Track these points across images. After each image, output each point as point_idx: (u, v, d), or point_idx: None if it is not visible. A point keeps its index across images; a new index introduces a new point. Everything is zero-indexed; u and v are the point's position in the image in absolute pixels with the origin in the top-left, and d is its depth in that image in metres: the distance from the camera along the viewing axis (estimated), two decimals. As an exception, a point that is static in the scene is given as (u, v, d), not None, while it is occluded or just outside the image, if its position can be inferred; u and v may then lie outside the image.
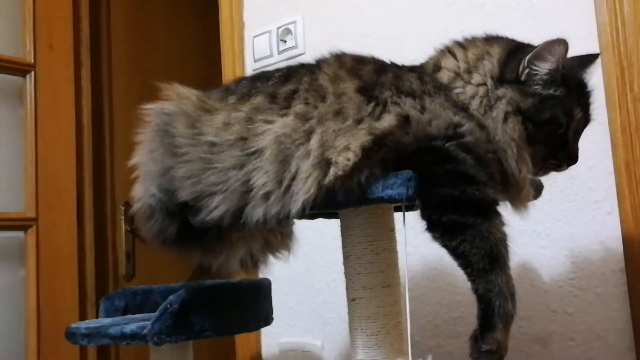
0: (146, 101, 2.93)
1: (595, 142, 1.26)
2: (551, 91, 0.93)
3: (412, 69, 1.02)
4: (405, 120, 0.89)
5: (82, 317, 2.26)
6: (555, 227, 1.30)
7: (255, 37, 1.84)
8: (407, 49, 1.27)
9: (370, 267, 1.00)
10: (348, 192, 0.86)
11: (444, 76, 0.99)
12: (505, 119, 0.92)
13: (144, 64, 2.75)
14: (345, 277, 1.03)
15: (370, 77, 0.97)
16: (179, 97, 1.11)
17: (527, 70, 0.93)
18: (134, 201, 1.13)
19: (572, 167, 1.26)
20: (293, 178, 0.89)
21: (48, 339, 2.14)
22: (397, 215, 1.06)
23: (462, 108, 0.93)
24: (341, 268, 1.37)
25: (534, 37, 1.30)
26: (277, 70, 1.06)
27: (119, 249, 2.56)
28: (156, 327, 1.13)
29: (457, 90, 0.96)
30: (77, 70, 2.38)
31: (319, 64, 1.03)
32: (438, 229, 0.87)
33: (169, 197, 1.04)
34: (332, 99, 0.94)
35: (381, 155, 0.87)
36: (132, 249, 2.58)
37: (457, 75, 0.98)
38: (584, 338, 1.27)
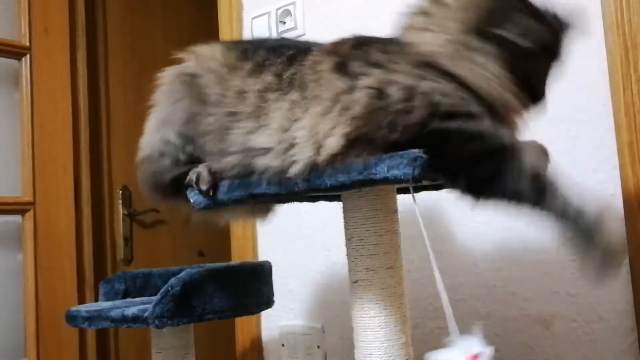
0: (143, 84, 2.92)
1: (598, 123, 1.25)
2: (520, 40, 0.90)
3: (390, 39, 1.00)
4: (378, 94, 0.88)
5: (81, 301, 2.25)
6: None
7: (254, 18, 1.82)
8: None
9: (373, 249, 0.99)
10: (350, 169, 0.85)
11: (412, 35, 0.97)
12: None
13: (140, 47, 2.74)
14: (348, 259, 1.02)
15: (346, 52, 0.96)
16: (201, 56, 1.13)
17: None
18: (141, 149, 1.15)
19: (576, 148, 1.26)
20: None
21: (47, 323, 2.14)
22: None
23: (429, 65, 0.90)
24: (341, 251, 1.36)
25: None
26: (288, 47, 1.05)
27: (117, 233, 2.56)
28: (157, 310, 1.13)
29: (424, 46, 0.93)
30: (73, 53, 2.36)
31: (311, 49, 1.02)
32: (479, 195, 0.85)
33: (185, 144, 1.07)
34: (312, 85, 0.94)
35: (369, 136, 0.86)
36: (130, 233, 2.58)
37: (426, 29, 0.95)
38: (586, 319, 1.27)
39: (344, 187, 0.87)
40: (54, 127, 2.25)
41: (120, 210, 2.55)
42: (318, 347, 1.62)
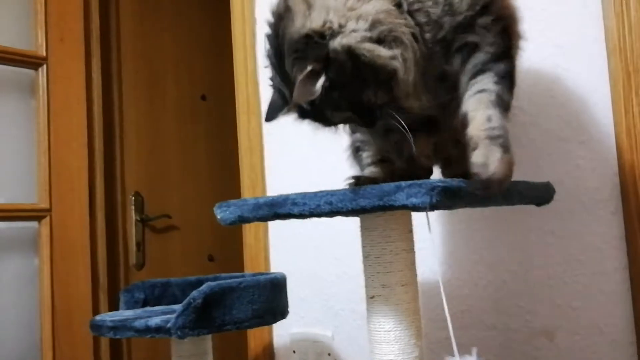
0: (153, 91, 2.99)
1: (600, 142, 1.31)
2: None
3: None
4: None
5: (95, 305, 2.32)
6: (562, 225, 1.35)
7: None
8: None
9: (389, 267, 1.05)
10: (370, 194, 0.91)
11: None
12: None
13: (151, 54, 2.81)
14: (365, 276, 1.08)
15: None
16: None
17: None
18: None
19: (579, 168, 1.32)
20: None
21: (62, 326, 2.20)
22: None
23: None
24: (351, 261, 1.43)
25: (544, 40, 1.35)
26: None
27: (130, 239, 2.62)
28: (180, 321, 1.19)
29: None
30: (88, 62, 2.42)
31: None
32: None
33: None
34: None
35: None
36: (142, 238, 2.64)
37: None
38: (588, 332, 1.32)
39: (364, 211, 0.92)
40: (70, 135, 2.31)
41: (132, 216, 2.62)
42: (329, 354, 1.68)
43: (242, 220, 1.05)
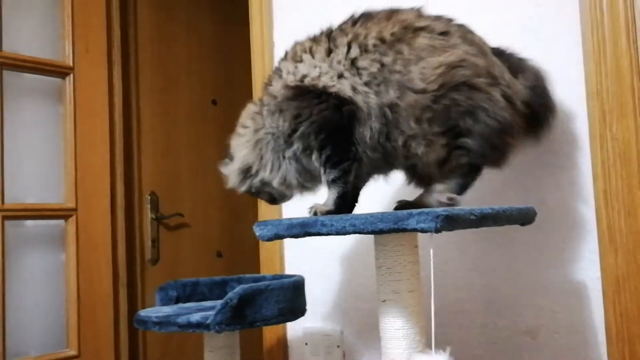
0: (168, 96, 3.15)
1: (579, 169, 1.49)
2: None
3: None
4: None
5: (115, 297, 2.46)
6: (545, 240, 1.53)
7: None
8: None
9: (398, 276, 1.24)
10: (387, 219, 1.11)
11: None
12: None
13: (165, 64, 2.92)
14: (377, 283, 1.27)
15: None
16: None
17: None
18: None
19: (561, 192, 1.51)
20: None
21: (86, 316, 2.34)
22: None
23: None
24: (360, 264, 1.63)
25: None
26: None
27: (145, 236, 2.75)
28: (218, 318, 1.38)
29: None
30: (110, 71, 2.55)
31: None
32: None
33: None
34: None
35: None
36: (156, 235, 2.78)
37: None
38: (566, 332, 1.50)
39: (382, 232, 1.12)
40: (94, 139, 2.44)
41: (148, 214, 2.76)
42: (338, 346, 1.86)
43: (278, 237, 1.24)
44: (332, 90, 1.28)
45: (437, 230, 1.05)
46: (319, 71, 1.31)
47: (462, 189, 1.32)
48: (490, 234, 1.59)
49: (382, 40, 1.29)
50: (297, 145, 1.33)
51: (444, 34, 1.30)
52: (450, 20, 1.34)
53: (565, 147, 1.51)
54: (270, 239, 1.25)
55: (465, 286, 1.64)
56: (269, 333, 2.02)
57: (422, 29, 1.30)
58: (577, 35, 1.49)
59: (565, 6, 1.52)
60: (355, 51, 1.30)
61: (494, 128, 1.26)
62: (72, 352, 2.31)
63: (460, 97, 1.25)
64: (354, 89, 1.28)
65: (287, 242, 2.00)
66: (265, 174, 1.38)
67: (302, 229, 1.20)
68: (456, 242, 1.64)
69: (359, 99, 1.27)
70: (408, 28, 1.30)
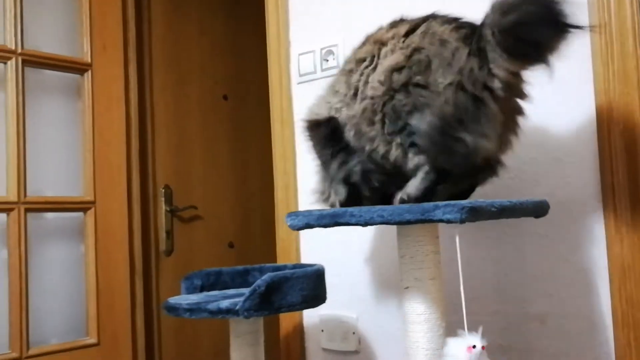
0: (181, 92, 3.27)
1: (587, 164, 1.57)
2: None
3: None
4: None
5: (132, 287, 2.54)
6: (554, 230, 1.60)
7: (300, 54, 2.09)
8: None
9: (420, 264, 1.32)
10: (415, 211, 1.19)
11: None
12: None
13: (178, 60, 3.00)
14: (400, 271, 1.35)
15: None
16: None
17: None
18: None
19: (570, 185, 1.59)
20: None
21: (105, 305, 2.43)
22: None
23: None
24: (375, 253, 1.70)
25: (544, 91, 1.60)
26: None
27: (160, 227, 2.83)
28: (246, 304, 1.45)
29: None
30: (126, 67, 2.64)
31: None
32: None
33: None
34: None
35: None
36: (171, 227, 2.87)
37: None
38: (574, 318, 1.56)
39: (409, 222, 1.20)
40: (111, 134, 2.53)
41: (163, 207, 2.85)
42: (353, 333, 1.94)
43: (308, 226, 1.32)
44: None
45: (462, 221, 1.13)
46: None
47: (425, 191, 1.33)
48: (501, 225, 1.67)
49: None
50: None
51: (406, 34, 1.36)
52: (428, 17, 1.37)
53: (574, 142, 1.58)
54: (300, 229, 1.33)
55: (478, 274, 1.72)
56: (286, 320, 2.10)
57: (391, 38, 1.39)
58: (585, 37, 1.57)
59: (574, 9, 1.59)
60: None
61: (435, 125, 1.28)
62: (92, 340, 2.40)
63: (404, 97, 1.32)
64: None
65: (303, 233, 2.07)
66: None
67: (332, 219, 1.28)
68: (470, 232, 1.72)
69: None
70: (377, 42, 1.42)
